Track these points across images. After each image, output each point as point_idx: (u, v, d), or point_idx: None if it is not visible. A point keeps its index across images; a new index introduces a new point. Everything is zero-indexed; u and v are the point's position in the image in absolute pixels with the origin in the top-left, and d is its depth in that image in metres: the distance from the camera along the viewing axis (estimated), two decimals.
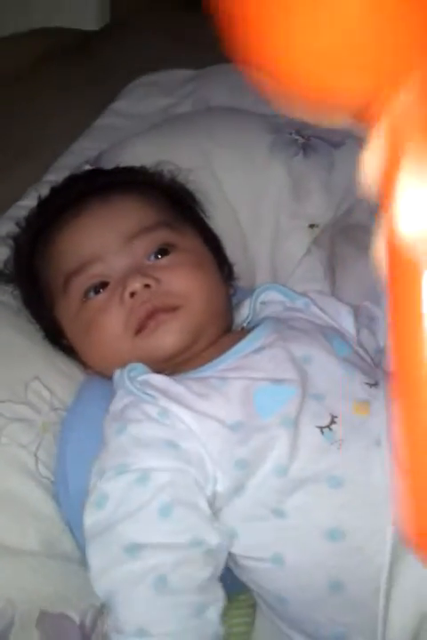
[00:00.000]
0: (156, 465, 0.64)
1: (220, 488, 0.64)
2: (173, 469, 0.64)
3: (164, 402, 0.67)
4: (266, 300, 0.83)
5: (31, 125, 1.45)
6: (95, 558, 0.63)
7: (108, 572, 0.61)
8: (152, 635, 0.58)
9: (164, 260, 0.75)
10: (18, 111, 1.49)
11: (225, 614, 0.70)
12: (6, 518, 0.69)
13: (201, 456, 0.64)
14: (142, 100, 1.40)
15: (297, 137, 1.03)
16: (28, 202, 1.03)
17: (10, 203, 1.12)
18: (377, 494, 0.60)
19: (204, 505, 0.63)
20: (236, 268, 0.89)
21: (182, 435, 0.65)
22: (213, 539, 0.62)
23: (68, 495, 0.70)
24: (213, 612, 0.60)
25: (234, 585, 0.70)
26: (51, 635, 0.65)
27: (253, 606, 0.72)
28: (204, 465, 0.64)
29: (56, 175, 1.07)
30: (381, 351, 0.83)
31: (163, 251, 0.76)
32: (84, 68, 1.65)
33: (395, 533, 0.58)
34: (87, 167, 1.01)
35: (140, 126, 1.21)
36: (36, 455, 0.73)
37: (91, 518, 0.64)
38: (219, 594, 0.62)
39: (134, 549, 0.60)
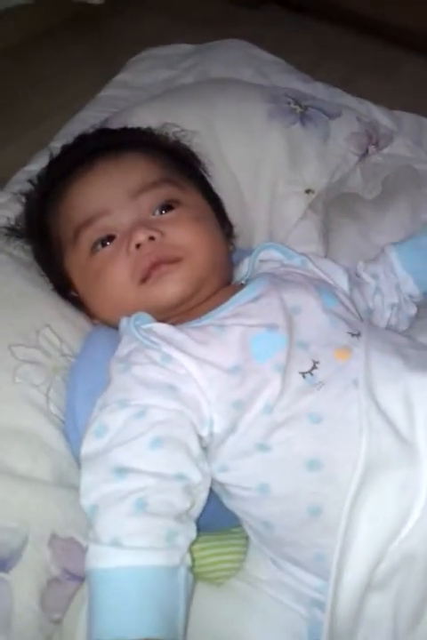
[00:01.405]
0: (154, 403, 0.68)
1: (216, 429, 0.69)
2: (170, 409, 0.68)
3: (166, 348, 0.71)
4: (265, 257, 0.88)
5: (36, 96, 1.48)
6: (86, 476, 0.66)
7: (96, 488, 0.65)
8: (124, 546, 0.61)
9: (168, 215, 0.80)
10: (24, 82, 1.52)
11: (220, 544, 0.76)
12: (21, 449, 0.74)
13: (198, 400, 0.69)
14: (146, 72, 1.43)
15: (295, 106, 1.07)
16: (35, 166, 1.07)
17: (16, 168, 1.17)
18: (351, 428, 0.66)
19: (194, 446, 0.68)
20: (235, 229, 0.94)
21: (182, 379, 0.70)
22: (195, 477, 0.66)
23: (77, 432, 0.75)
24: (183, 540, 0.64)
25: (228, 519, 0.75)
26: (60, 554, 0.70)
27: (246, 538, 0.76)
28: (200, 408, 0.69)
29: (61, 142, 1.08)
30: (370, 311, 0.89)
31: (167, 206, 0.80)
32: (89, 42, 1.68)
33: (365, 462, 0.63)
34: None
35: (143, 97, 1.25)
36: (47, 395, 0.78)
37: (89, 446, 0.68)
38: (192, 528, 0.65)
39: (122, 471, 0.64)
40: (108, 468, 0.65)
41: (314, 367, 0.70)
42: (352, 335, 0.74)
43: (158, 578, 0.62)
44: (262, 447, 0.68)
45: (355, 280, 0.89)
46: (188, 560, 0.64)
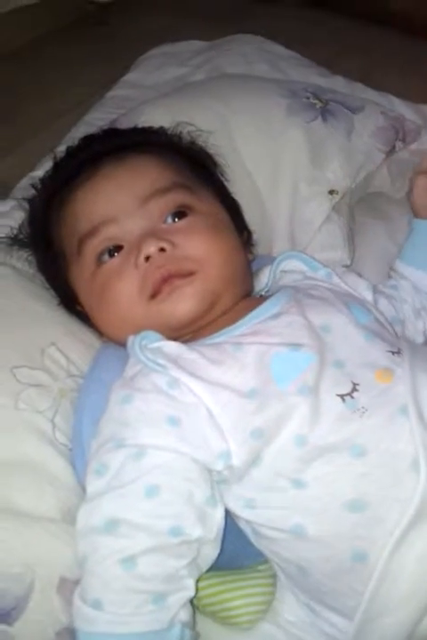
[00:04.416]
0: (154, 442, 0.62)
1: (235, 462, 0.62)
2: (170, 450, 0.61)
3: (175, 371, 0.64)
4: (287, 268, 0.81)
5: (43, 98, 1.43)
6: (81, 519, 0.62)
7: (86, 537, 0.61)
8: (105, 611, 0.58)
9: (180, 223, 0.73)
10: (29, 85, 1.47)
11: (246, 585, 0.70)
12: (24, 484, 0.67)
13: (205, 434, 0.62)
14: (156, 70, 1.38)
15: (315, 101, 1.01)
16: (41, 172, 1.01)
17: (22, 175, 1.11)
18: (401, 463, 0.59)
19: (200, 490, 0.61)
20: (254, 236, 0.87)
21: (188, 410, 0.63)
22: (194, 531, 0.61)
23: (84, 460, 0.68)
24: (175, 601, 0.59)
25: (254, 555, 0.69)
26: (71, 600, 0.62)
27: (274, 576, 0.70)
28: (208, 443, 0.62)
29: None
30: (401, 322, 0.82)
31: (180, 213, 0.73)
32: (97, 42, 1.62)
33: (420, 500, 0.56)
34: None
35: (153, 96, 1.20)
36: (53, 421, 0.71)
37: (92, 486, 0.63)
38: (187, 585, 0.61)
39: (113, 524, 0.60)
40: (99, 516, 0.61)
41: (354, 389, 0.62)
42: (393, 353, 0.66)
43: None
44: (297, 483, 0.61)
45: (380, 292, 0.82)
46: (183, 616, 0.60)
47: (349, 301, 0.73)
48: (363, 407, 0.61)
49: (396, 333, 0.76)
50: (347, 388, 0.62)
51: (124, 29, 1.66)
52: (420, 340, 0.82)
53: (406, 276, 0.84)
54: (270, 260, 0.84)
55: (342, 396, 0.62)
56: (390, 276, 0.86)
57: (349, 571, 0.59)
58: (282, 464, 0.61)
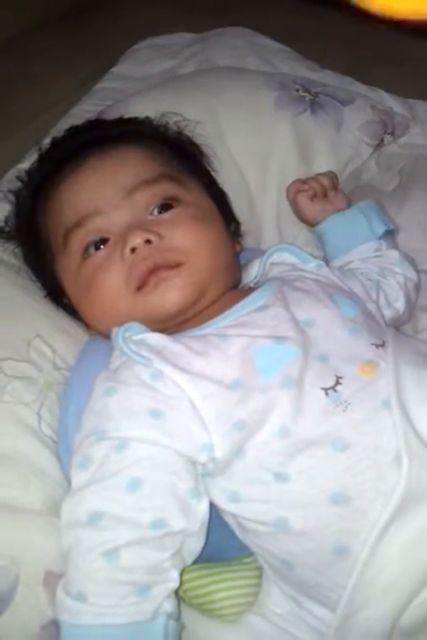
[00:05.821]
0: (136, 435, 0.62)
1: (218, 453, 0.62)
2: (153, 443, 0.61)
3: (158, 364, 0.64)
4: (277, 260, 0.81)
5: (31, 91, 1.42)
6: (65, 512, 0.62)
7: (70, 530, 0.61)
8: (89, 603, 0.58)
9: (167, 215, 0.73)
10: (17, 77, 1.45)
11: (232, 577, 0.70)
12: (10, 477, 0.67)
13: (187, 427, 0.62)
14: (145, 63, 1.38)
15: (304, 93, 1.01)
16: (28, 164, 1.00)
17: (9, 167, 1.10)
18: (384, 457, 0.58)
19: (183, 483, 0.61)
20: (242, 227, 0.86)
21: (171, 403, 0.63)
22: (177, 524, 0.61)
23: (69, 453, 0.68)
24: (159, 592, 0.59)
25: (240, 548, 0.69)
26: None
27: (260, 569, 0.70)
28: (191, 436, 0.62)
29: None
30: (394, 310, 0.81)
31: (166, 205, 0.73)
32: (85, 34, 1.61)
33: (402, 493, 0.56)
34: None
35: (142, 88, 1.19)
36: (38, 414, 0.71)
37: (76, 478, 0.63)
38: (172, 577, 0.61)
39: (96, 517, 0.60)
40: (83, 509, 0.61)
41: (337, 383, 0.62)
42: (377, 346, 0.66)
43: (127, 634, 0.58)
44: (280, 476, 0.60)
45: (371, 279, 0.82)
46: (167, 607, 0.60)
47: (335, 294, 0.73)
48: (346, 401, 0.61)
49: (385, 322, 0.76)
50: (330, 382, 0.62)
51: (114, 23, 1.64)
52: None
53: (349, 262, 0.85)
54: (261, 252, 0.83)
55: (325, 390, 0.62)
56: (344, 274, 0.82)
57: (332, 564, 0.59)
58: (265, 457, 0.61)
